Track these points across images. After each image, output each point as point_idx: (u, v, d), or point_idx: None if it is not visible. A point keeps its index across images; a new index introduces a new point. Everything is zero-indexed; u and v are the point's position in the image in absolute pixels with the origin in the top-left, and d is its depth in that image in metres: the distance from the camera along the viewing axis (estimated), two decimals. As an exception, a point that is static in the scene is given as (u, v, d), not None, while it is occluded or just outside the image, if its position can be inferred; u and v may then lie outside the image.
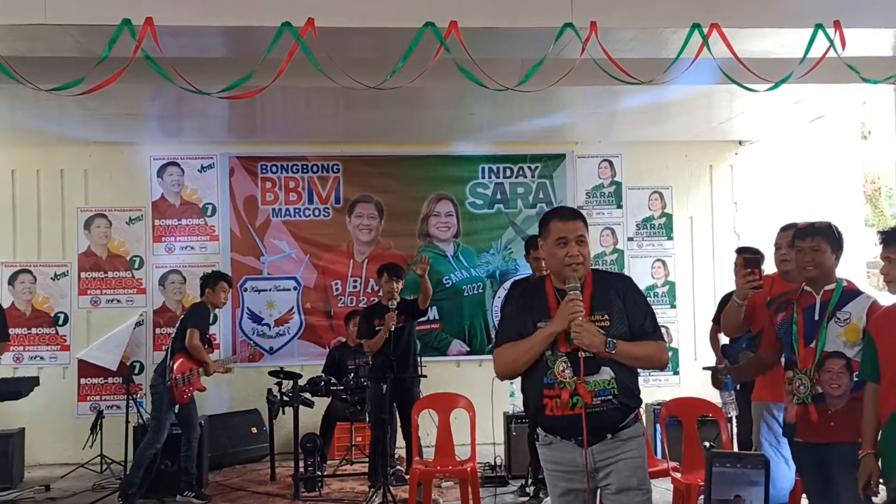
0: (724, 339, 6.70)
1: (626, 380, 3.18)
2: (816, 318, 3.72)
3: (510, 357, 3.24)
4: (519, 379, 3.41)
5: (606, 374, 3.13)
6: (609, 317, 3.18)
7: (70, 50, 4.86)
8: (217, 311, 7.19)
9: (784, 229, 4.43)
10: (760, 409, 4.43)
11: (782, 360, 4.04)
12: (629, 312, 3.21)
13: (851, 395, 3.59)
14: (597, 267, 3.41)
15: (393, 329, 6.44)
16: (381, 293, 7.06)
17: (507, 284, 8.74)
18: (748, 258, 4.16)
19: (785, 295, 3.96)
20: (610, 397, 3.12)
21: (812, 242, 3.74)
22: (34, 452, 7.82)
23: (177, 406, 6.47)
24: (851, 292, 3.74)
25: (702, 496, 5.09)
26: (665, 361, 3.31)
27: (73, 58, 4.89)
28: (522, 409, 3.42)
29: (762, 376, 4.37)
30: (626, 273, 8.77)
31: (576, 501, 3.20)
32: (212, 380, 8.42)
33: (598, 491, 3.20)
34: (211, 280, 6.82)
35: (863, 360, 3.54)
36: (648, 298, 9.16)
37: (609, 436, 3.14)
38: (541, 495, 6.23)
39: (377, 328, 6.69)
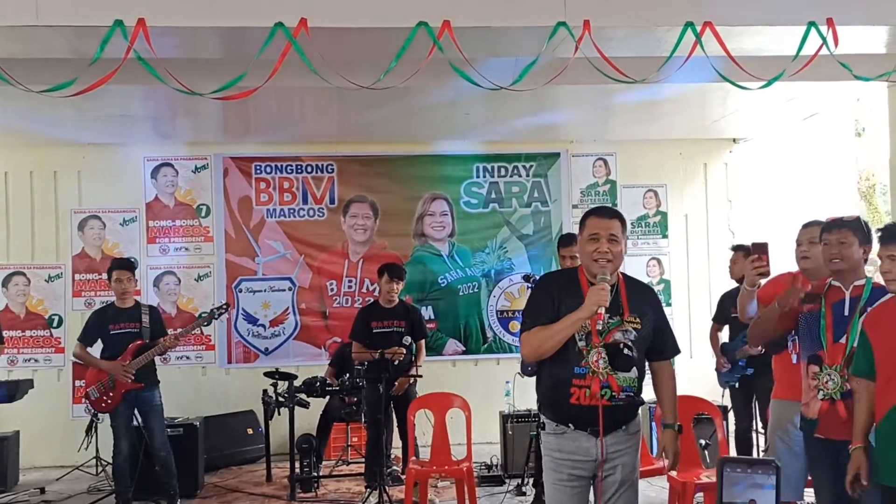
0: (723, 338, 6.72)
1: (642, 380, 3.40)
2: (846, 313, 3.67)
3: (539, 340, 3.31)
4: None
5: (633, 372, 3.32)
6: (640, 322, 3.37)
7: (62, 51, 4.84)
8: (119, 301, 6.32)
9: (806, 226, 4.38)
10: (780, 407, 4.34)
11: (790, 352, 4.04)
12: (657, 328, 3.45)
13: None
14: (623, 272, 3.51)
15: (400, 360, 6.52)
16: (377, 293, 7.07)
17: (504, 283, 8.78)
18: (756, 244, 4.11)
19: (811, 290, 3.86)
20: (632, 393, 3.33)
21: (839, 235, 3.68)
22: (29, 455, 7.79)
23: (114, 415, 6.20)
24: (881, 290, 3.67)
25: (697, 494, 5.11)
26: None
27: (65, 59, 4.87)
28: (540, 398, 3.48)
29: (781, 375, 4.30)
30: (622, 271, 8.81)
31: (579, 487, 3.35)
32: (207, 381, 8.51)
33: (596, 478, 3.36)
34: (107, 273, 6.48)
35: (857, 357, 3.52)
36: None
37: (623, 428, 3.33)
38: (543, 498, 6.22)
39: (375, 330, 6.70)
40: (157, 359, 6.63)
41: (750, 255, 4.09)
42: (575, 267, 3.56)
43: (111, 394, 6.15)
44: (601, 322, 3.22)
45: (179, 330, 6.53)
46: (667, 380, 3.57)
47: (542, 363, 3.43)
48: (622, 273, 3.45)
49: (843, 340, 3.64)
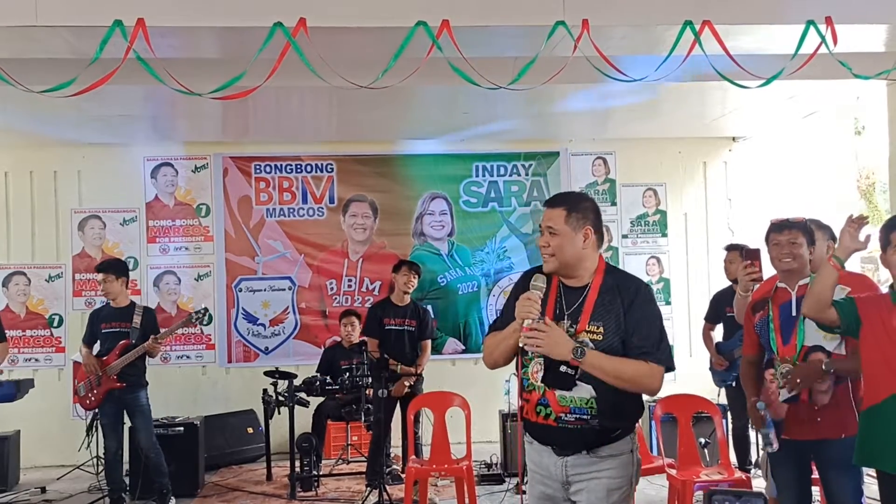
0: (717, 337, 6.73)
1: (613, 398, 2.83)
2: (794, 313, 3.72)
3: (488, 348, 3.06)
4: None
5: (585, 391, 2.84)
6: (604, 329, 2.87)
7: (61, 51, 4.85)
8: (111, 302, 6.42)
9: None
10: None
11: None
12: (628, 325, 2.87)
13: (835, 388, 3.61)
14: (614, 265, 3.14)
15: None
16: (377, 292, 7.11)
17: (503, 282, 8.79)
18: (748, 251, 4.22)
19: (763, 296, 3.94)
20: (587, 417, 2.84)
21: (789, 235, 3.78)
22: (30, 454, 7.80)
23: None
24: None
25: (696, 492, 5.12)
26: (654, 389, 2.90)
27: (65, 59, 4.87)
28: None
29: None
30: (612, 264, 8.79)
31: None
32: (208, 380, 8.51)
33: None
34: None
35: (844, 314, 3.42)
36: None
37: (585, 451, 2.89)
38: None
39: (387, 327, 6.74)
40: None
41: (743, 262, 4.16)
42: None
43: (95, 391, 6.22)
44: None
45: (161, 332, 6.41)
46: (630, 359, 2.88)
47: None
48: (610, 266, 3.03)
49: (792, 341, 3.68)
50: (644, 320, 2.89)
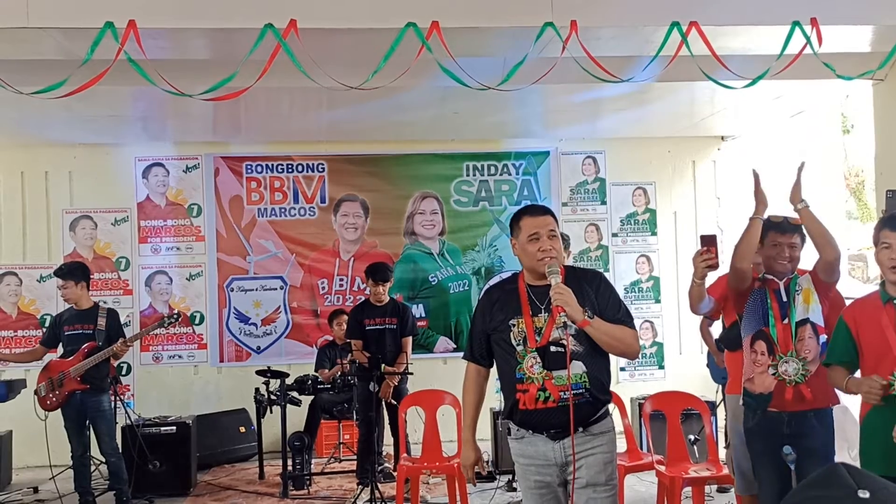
0: (715, 334, 6.75)
1: (598, 374, 3.23)
2: (784, 299, 3.86)
3: (463, 388, 3.65)
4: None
5: (578, 367, 3.19)
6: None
7: (52, 53, 4.86)
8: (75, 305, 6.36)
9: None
10: (736, 403, 4.42)
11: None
12: (601, 305, 3.27)
13: (820, 357, 3.73)
14: (569, 264, 3.46)
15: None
16: (368, 292, 7.15)
17: (494, 281, 8.81)
18: (704, 237, 4.16)
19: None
20: (582, 391, 3.18)
21: (791, 238, 3.86)
22: (22, 454, 7.78)
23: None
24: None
25: (685, 489, 5.17)
26: (636, 351, 3.39)
27: (56, 60, 4.89)
28: (503, 401, 3.49)
29: (737, 371, 4.36)
30: (611, 268, 8.86)
31: (548, 494, 3.27)
32: (200, 379, 8.53)
33: (568, 484, 3.25)
34: None
35: (835, 347, 3.58)
36: (633, 294, 9.26)
37: (580, 430, 3.18)
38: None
39: (367, 328, 6.77)
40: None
41: (700, 249, 4.14)
42: (514, 274, 3.48)
43: (57, 392, 6.16)
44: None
45: (131, 335, 6.42)
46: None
47: (497, 365, 3.45)
48: (563, 266, 3.35)
49: (786, 321, 3.82)
50: (613, 298, 3.34)
